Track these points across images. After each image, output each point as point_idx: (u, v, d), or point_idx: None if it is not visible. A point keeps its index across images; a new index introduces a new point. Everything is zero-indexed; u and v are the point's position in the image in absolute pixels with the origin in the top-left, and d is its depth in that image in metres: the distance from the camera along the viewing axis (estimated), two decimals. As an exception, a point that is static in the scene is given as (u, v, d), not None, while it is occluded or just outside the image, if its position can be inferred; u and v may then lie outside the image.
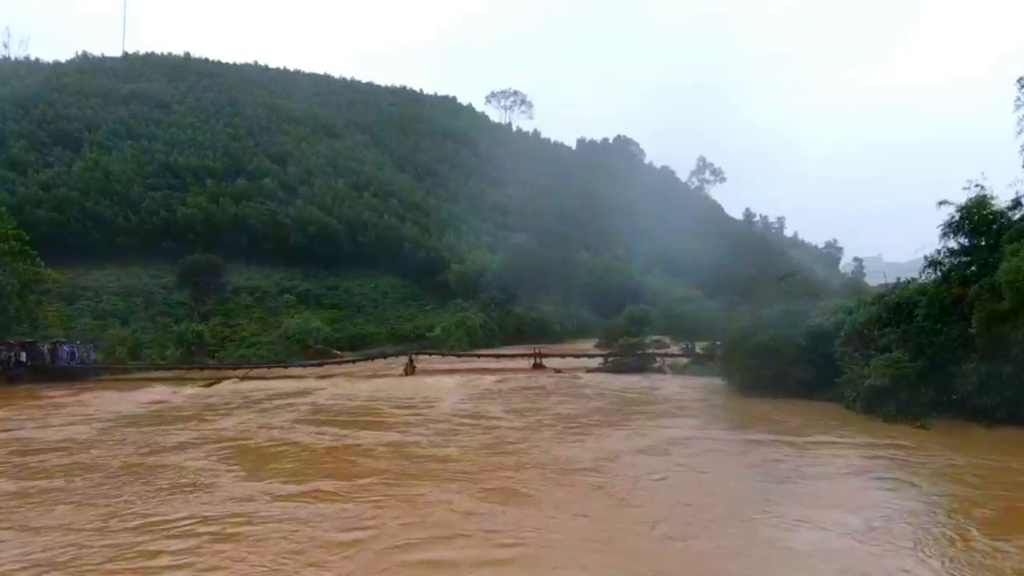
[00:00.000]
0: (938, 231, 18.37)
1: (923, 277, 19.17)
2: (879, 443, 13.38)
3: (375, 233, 59.65)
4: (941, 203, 18.64)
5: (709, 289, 55.70)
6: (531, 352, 29.50)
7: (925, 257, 18.81)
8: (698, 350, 35.76)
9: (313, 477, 10.75)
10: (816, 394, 19.96)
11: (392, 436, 14.44)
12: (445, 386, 22.37)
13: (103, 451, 12.85)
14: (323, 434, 14.40)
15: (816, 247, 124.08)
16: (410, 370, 27.27)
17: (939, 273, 18.56)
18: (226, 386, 24.35)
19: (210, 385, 24.65)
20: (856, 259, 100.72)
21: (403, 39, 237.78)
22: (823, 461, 12.10)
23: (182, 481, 10.57)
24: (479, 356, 30.45)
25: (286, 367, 28.95)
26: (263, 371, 28.01)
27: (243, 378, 26.48)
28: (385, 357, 29.85)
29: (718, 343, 29.39)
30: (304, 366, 29.06)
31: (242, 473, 10.95)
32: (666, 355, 29.40)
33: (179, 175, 60.83)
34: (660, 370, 27.38)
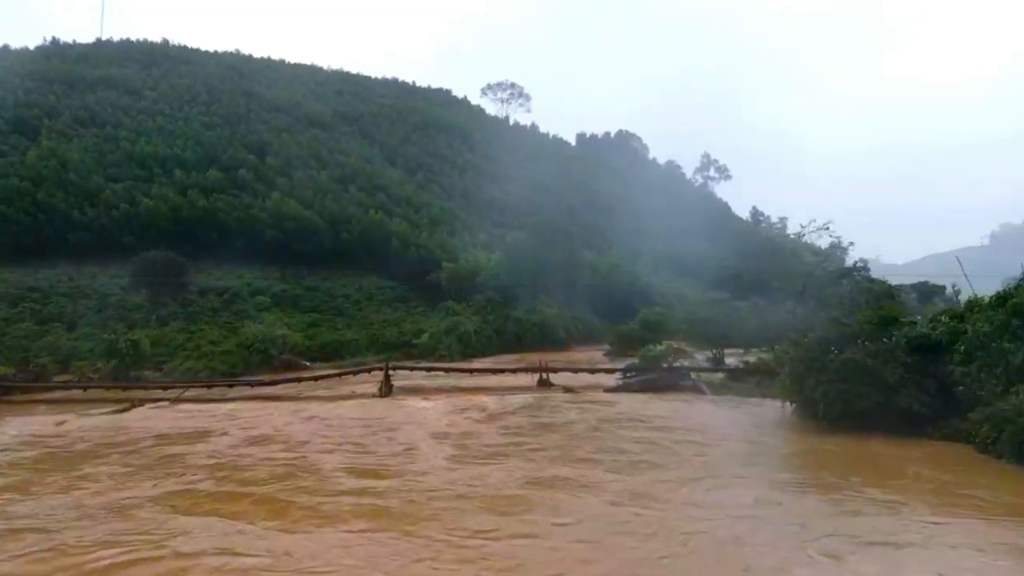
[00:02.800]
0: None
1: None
2: None
3: (360, 229, 54.30)
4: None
5: (718, 290, 50.72)
6: (536, 366, 24.17)
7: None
8: (728, 361, 30.70)
9: None
10: (926, 428, 14.78)
11: (320, 552, 7.68)
12: (428, 418, 16.50)
13: None
14: (197, 532, 8.30)
15: (820, 248, 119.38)
16: (385, 390, 21.90)
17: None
18: (143, 413, 18.92)
19: (124, 411, 19.28)
20: (862, 260, 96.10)
21: (400, 39, 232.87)
22: None
23: None
24: (472, 372, 24.94)
25: (231, 385, 23.48)
26: (203, 390, 22.62)
27: (175, 401, 21.10)
28: (356, 374, 24.30)
29: (767, 354, 24.29)
30: (252, 384, 23.55)
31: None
32: (701, 370, 24.09)
33: (144, 165, 55.34)
34: (696, 388, 22.07)
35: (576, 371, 24.48)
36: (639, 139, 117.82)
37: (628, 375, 24.18)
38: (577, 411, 17.23)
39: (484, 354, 38.98)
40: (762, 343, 26.58)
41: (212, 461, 12.02)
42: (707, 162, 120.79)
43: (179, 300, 42.84)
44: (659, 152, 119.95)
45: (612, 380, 24.18)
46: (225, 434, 14.53)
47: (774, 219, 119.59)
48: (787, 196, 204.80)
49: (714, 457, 12.83)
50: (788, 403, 17.53)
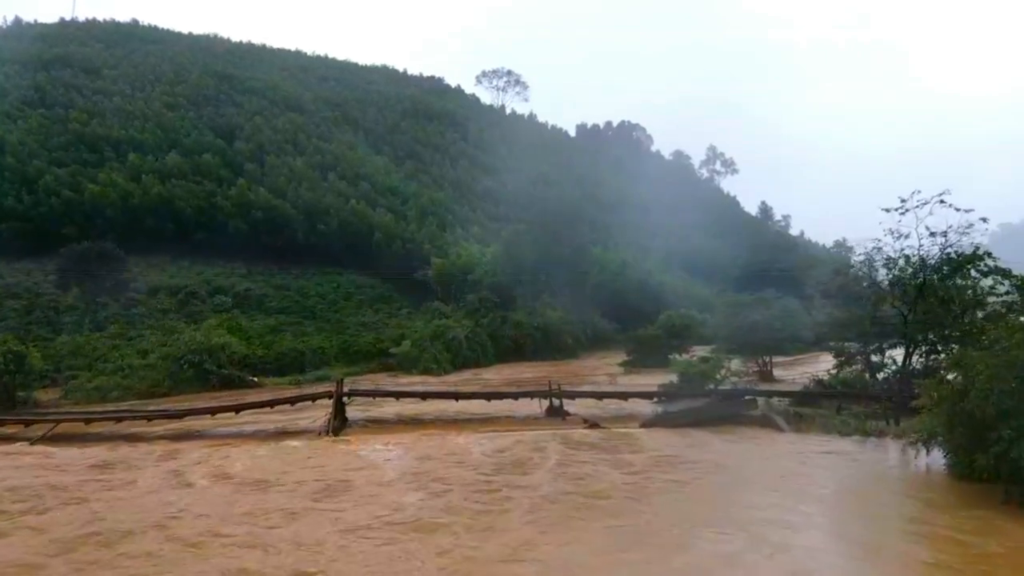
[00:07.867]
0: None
1: None
2: None
3: (339, 220, 48.29)
4: None
5: (734, 289, 44.96)
6: (545, 389, 18.09)
7: None
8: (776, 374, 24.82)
9: None
10: None
11: None
12: (387, 492, 9.88)
13: None
14: None
15: (825, 247, 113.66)
16: (336, 425, 15.82)
17: None
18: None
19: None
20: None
21: (398, 39, 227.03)
22: None
23: None
24: (457, 397, 18.50)
25: (119, 419, 17.14)
26: (82, 424, 16.46)
27: (35, 442, 14.95)
28: (293, 403, 17.91)
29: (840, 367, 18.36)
30: (150, 417, 17.17)
31: None
32: (765, 393, 18.05)
33: (95, 148, 49.11)
34: (767, 421, 15.99)
35: (600, 396, 18.33)
36: (643, 129, 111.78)
37: (662, 399, 18.17)
38: (629, 481, 10.38)
39: (478, 365, 33.05)
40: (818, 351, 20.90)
41: None
42: (713, 155, 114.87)
43: (120, 300, 36.68)
44: (662, 148, 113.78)
45: (644, 404, 18.17)
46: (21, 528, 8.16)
47: (777, 216, 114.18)
48: (786, 196, 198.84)
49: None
50: (924, 448, 11.53)
